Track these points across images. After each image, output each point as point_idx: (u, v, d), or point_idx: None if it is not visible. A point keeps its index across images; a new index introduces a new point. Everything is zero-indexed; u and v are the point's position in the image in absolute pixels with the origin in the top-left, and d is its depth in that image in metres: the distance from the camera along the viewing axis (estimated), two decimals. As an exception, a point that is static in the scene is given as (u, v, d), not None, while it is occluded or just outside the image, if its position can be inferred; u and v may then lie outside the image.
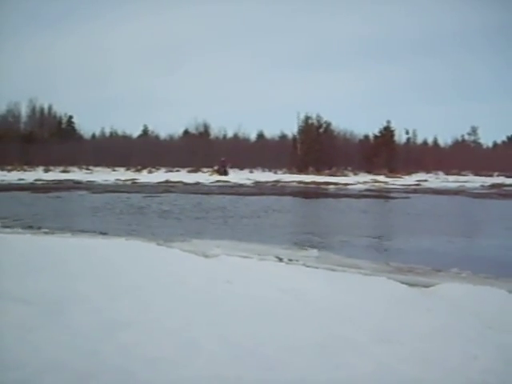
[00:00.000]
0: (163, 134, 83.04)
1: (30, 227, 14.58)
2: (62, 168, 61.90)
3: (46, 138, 71.00)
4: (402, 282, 7.98)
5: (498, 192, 41.80)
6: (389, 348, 4.70)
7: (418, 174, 64.65)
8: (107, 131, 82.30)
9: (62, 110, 79.73)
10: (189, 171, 63.19)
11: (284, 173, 63.66)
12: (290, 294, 6.54)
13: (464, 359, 4.52)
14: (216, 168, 57.41)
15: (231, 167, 59.84)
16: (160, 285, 6.67)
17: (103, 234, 13.62)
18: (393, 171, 63.71)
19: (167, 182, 45.22)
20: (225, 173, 55.58)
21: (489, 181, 56.24)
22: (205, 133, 79.75)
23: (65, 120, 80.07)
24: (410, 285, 7.93)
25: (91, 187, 37.50)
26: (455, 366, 4.39)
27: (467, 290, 7.42)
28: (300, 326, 5.19)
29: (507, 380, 4.09)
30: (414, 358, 4.50)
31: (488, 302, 6.68)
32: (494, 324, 5.70)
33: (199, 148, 66.89)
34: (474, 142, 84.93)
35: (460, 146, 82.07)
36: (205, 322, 5.12)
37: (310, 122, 70.15)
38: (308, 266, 9.45)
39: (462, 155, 72.73)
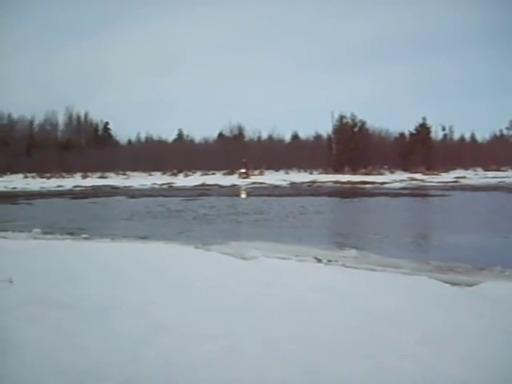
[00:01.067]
0: (198, 137, 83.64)
1: (71, 233, 14.79)
2: (99, 174, 62.79)
3: (83, 145, 72.18)
4: (444, 282, 7.84)
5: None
6: (433, 349, 4.60)
7: (456, 171, 63.74)
8: (143, 136, 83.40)
9: (97, 116, 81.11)
10: (224, 174, 63.44)
11: (319, 173, 63.46)
12: (331, 296, 6.47)
13: (511, 361, 4.41)
14: (243, 171, 57.13)
15: (266, 169, 59.51)
16: (198, 288, 6.66)
17: (142, 238, 13.73)
18: (430, 168, 62.91)
19: (203, 185, 45.55)
20: (246, 175, 55.03)
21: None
22: (239, 135, 79.98)
23: (101, 127, 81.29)
24: (452, 284, 7.78)
25: (128, 192, 37.92)
26: (502, 368, 4.27)
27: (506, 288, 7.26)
28: (342, 327, 5.12)
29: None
30: (459, 359, 4.40)
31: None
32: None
33: (234, 150, 67.05)
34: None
35: (498, 140, 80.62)
36: (246, 326, 5.09)
37: (344, 121, 69.84)
38: (347, 267, 9.37)
39: (501, 150, 71.36)
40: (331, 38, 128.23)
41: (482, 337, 5.02)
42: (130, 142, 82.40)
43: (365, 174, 58.29)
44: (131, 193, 37.14)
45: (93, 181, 53.65)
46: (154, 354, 4.33)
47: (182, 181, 53.07)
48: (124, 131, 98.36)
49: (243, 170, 56.94)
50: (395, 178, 52.31)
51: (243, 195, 34.98)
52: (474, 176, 58.28)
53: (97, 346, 4.46)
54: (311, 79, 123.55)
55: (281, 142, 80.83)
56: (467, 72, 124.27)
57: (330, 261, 10.05)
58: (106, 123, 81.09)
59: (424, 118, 71.86)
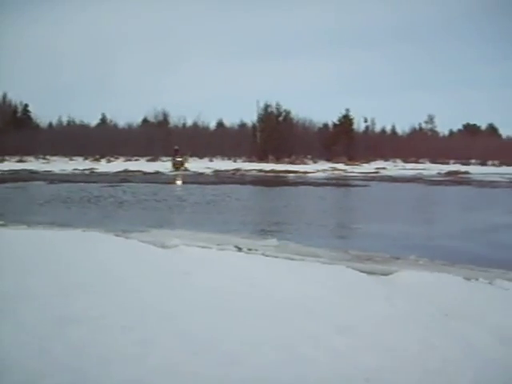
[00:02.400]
0: (122, 122, 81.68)
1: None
2: (17, 158, 60.57)
3: (0, 126, 69.35)
4: (361, 271, 7.99)
5: (453, 179, 42.57)
6: (348, 338, 4.68)
7: (377, 162, 65.32)
8: (64, 120, 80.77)
9: (17, 98, 77.96)
10: (148, 160, 62.56)
11: (244, 161, 63.54)
12: (249, 285, 6.47)
13: (422, 348, 4.53)
14: (179, 159, 50.20)
15: (191, 156, 57.57)
16: (115, 278, 6.53)
17: (60, 225, 13.33)
18: (352, 159, 64.28)
19: (126, 171, 44.72)
20: (180, 164, 49.07)
21: (445, 168, 57.25)
22: (164, 121, 78.99)
23: (20, 108, 78.30)
24: (369, 273, 7.94)
25: (48, 177, 36.80)
26: (414, 354, 4.39)
27: (424, 278, 7.47)
28: (259, 318, 5.13)
29: (465, 369, 4.11)
30: (372, 347, 4.49)
31: (445, 290, 6.73)
32: (452, 311, 5.75)
33: (158, 137, 66.25)
34: (431, 130, 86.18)
35: (417, 134, 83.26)
36: (160, 317, 5.01)
37: (269, 110, 70.28)
38: (267, 256, 9.40)
39: (420, 143, 73.81)
40: (256, 26, 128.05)
41: (396, 325, 5.15)
42: (50, 125, 79.65)
43: (288, 163, 58.89)
44: (51, 178, 36.01)
45: (10, 165, 51.61)
46: (63, 347, 4.20)
47: (104, 166, 51.89)
48: (45, 114, 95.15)
49: (179, 159, 49.77)
50: (318, 168, 53.08)
51: (169, 182, 34.59)
52: (393, 167, 59.97)
53: (4, 339, 4.29)
54: (237, 67, 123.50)
55: (206, 129, 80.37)
56: (391, 66, 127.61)
57: (250, 250, 10.06)
58: (26, 105, 78.21)
59: (347, 110, 73.26)
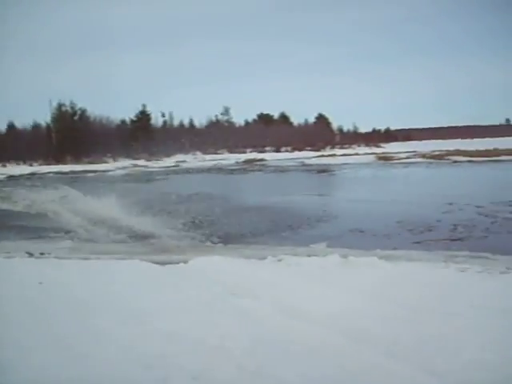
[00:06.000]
0: None
1: None
2: None
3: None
4: (156, 262, 8.11)
5: (249, 167, 44.60)
6: (139, 328, 4.75)
7: (177, 156, 65.96)
8: None
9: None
10: None
11: (40, 164, 60.63)
12: (39, 291, 6.29)
13: (206, 328, 4.74)
14: None
15: None
16: None
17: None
18: (153, 154, 64.17)
19: None
20: None
21: (242, 157, 59.73)
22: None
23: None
24: (164, 264, 8.07)
25: None
26: (198, 335, 4.57)
27: (214, 262, 7.81)
28: (47, 323, 5.02)
29: (242, 341, 4.37)
30: (158, 335, 4.61)
31: (231, 271, 7.10)
32: (237, 290, 6.08)
33: None
34: (228, 121, 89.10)
35: (215, 125, 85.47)
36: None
37: (63, 109, 67.70)
38: (61, 258, 9.14)
39: (217, 134, 75.87)
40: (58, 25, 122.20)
41: (184, 309, 5.32)
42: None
43: (88, 163, 57.30)
44: None
45: None
46: None
47: None
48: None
49: None
50: (119, 165, 52.39)
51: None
52: (193, 160, 61.19)
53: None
54: (28, 66, 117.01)
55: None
56: (186, 61, 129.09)
57: (42, 254, 9.71)
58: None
59: (144, 105, 73.20)
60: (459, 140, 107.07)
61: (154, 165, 52.14)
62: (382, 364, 3.95)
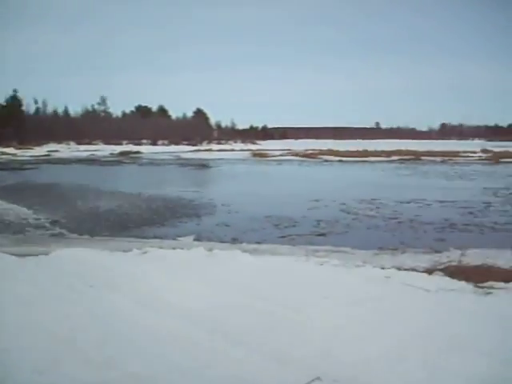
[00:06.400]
0: None
1: None
2: None
3: None
4: (15, 254, 7.75)
5: (124, 159, 43.98)
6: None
7: (50, 145, 63.48)
8: None
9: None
10: None
11: None
12: None
13: (58, 320, 4.61)
14: None
15: None
16: None
17: None
18: (23, 142, 61.32)
19: None
20: None
21: (118, 149, 58.60)
22: None
23: None
24: (23, 255, 7.74)
25: None
26: (49, 328, 4.43)
27: (76, 254, 7.61)
28: None
29: (94, 334, 4.30)
30: (6, 327, 4.44)
31: (93, 263, 6.95)
32: (96, 282, 5.96)
33: None
34: (104, 111, 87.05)
35: (90, 115, 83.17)
36: None
37: None
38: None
39: (93, 125, 73.95)
40: None
41: (31, 303, 5.13)
42: None
43: None
44: None
45: None
46: None
47: None
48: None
49: None
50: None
51: None
52: (67, 149, 59.18)
53: None
54: None
55: None
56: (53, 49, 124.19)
57: None
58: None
59: (15, 91, 69.83)
60: (332, 140, 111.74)
61: (24, 153, 49.81)
62: (233, 353, 4.04)
